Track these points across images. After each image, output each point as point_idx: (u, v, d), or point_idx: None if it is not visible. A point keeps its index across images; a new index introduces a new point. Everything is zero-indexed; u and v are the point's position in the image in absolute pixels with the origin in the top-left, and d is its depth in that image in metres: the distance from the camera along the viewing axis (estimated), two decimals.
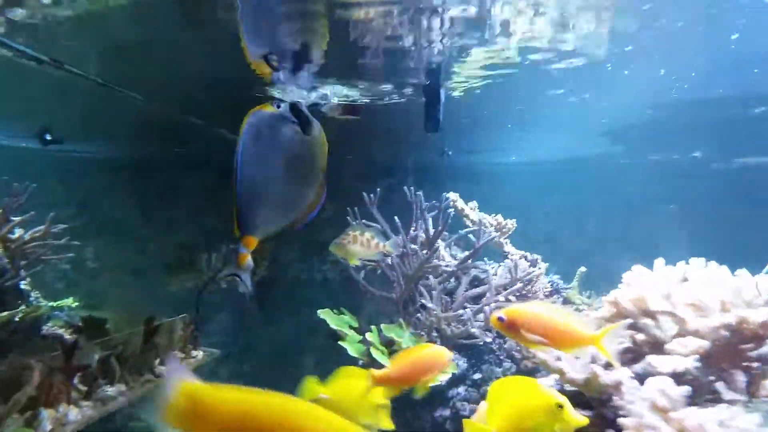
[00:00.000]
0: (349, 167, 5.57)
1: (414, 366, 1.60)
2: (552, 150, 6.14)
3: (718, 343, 1.47)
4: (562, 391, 1.58)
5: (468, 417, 2.64)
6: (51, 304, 3.64)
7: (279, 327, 5.86)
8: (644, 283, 1.70)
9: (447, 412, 2.69)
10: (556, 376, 1.57)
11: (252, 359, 5.79)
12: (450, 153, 4.21)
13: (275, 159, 1.40)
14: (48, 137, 3.64)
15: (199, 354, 2.51)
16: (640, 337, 1.63)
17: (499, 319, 1.36)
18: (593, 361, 1.49)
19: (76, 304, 4.05)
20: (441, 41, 2.15)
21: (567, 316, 1.34)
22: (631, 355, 1.62)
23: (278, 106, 1.44)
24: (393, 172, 5.81)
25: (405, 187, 2.87)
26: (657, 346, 1.57)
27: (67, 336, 2.41)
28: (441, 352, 1.62)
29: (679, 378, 1.41)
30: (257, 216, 1.35)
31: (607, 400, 1.43)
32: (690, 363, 1.44)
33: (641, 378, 1.43)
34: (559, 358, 1.53)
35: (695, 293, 1.57)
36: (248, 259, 1.37)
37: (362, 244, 2.44)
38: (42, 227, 2.97)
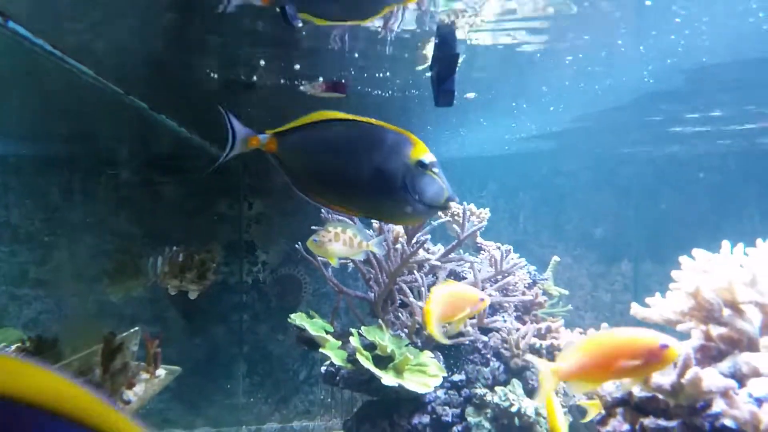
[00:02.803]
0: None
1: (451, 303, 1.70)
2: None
3: None
4: (625, 400, 1.50)
5: (450, 423, 2.52)
6: None
7: (205, 337, 5.40)
8: (727, 270, 1.47)
9: (426, 419, 2.51)
10: (617, 382, 1.46)
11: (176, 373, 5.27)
12: None
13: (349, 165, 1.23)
14: None
15: (162, 372, 2.17)
16: (719, 332, 1.44)
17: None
18: (682, 365, 1.30)
19: None
20: None
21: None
22: (708, 354, 1.45)
23: (429, 167, 1.18)
24: None
25: None
26: (750, 344, 1.41)
27: None
28: (473, 293, 1.74)
29: None
30: (294, 143, 1.25)
31: (704, 408, 1.29)
32: None
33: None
34: None
35: None
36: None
37: (345, 243, 2.19)
38: None
